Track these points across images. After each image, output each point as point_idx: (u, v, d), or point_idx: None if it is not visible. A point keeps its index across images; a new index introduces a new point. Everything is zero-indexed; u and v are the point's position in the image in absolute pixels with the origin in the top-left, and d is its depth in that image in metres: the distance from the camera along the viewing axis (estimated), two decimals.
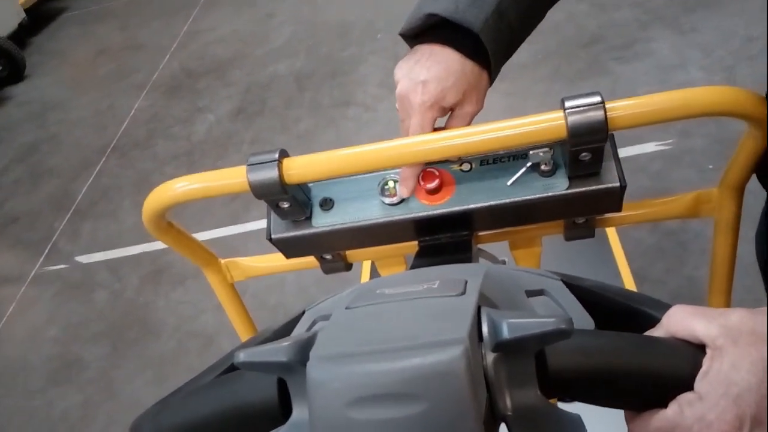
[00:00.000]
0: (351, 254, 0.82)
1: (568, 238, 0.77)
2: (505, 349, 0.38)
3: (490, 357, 0.39)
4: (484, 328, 0.39)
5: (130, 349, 2.42)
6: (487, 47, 0.64)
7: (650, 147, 2.38)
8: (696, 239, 2.03)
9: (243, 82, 3.82)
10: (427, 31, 0.67)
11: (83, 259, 2.94)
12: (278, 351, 0.40)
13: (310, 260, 0.82)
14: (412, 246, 0.75)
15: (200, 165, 3.23)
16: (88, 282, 2.81)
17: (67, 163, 3.67)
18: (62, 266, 2.94)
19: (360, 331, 0.41)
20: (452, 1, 0.64)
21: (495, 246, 0.81)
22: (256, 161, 0.62)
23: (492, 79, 0.70)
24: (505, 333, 0.37)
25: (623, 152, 0.65)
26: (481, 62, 0.66)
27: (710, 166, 2.23)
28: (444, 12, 0.64)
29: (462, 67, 0.65)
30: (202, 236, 2.70)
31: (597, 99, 0.56)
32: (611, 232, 1.32)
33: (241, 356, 0.41)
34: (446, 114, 0.68)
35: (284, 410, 0.44)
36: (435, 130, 0.67)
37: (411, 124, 0.66)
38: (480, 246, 0.79)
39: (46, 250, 3.05)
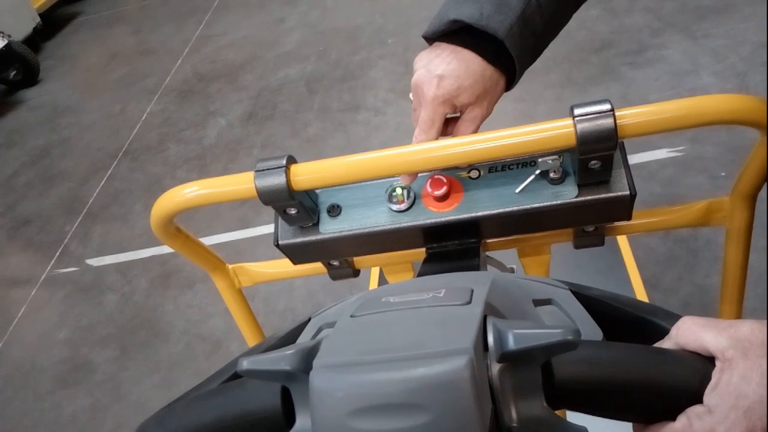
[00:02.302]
0: (358, 261, 0.82)
1: (577, 246, 0.77)
2: (511, 359, 0.38)
3: (495, 367, 0.38)
4: (490, 339, 0.38)
5: (138, 352, 2.43)
6: (512, 53, 0.65)
7: (661, 153, 2.37)
8: (707, 246, 2.01)
9: (254, 86, 3.84)
10: (451, 34, 0.67)
11: (94, 262, 2.96)
12: (282, 359, 0.40)
13: (318, 266, 0.82)
14: (419, 253, 0.74)
15: (211, 169, 3.25)
16: (98, 285, 2.82)
17: (78, 166, 3.70)
18: (73, 269, 2.96)
19: (364, 339, 0.40)
20: (477, 7, 0.64)
21: (503, 253, 0.81)
22: (263, 167, 0.62)
23: (513, 84, 0.70)
24: (511, 344, 0.37)
25: (634, 158, 0.64)
26: (500, 69, 0.67)
27: (722, 173, 2.21)
28: (469, 19, 0.64)
29: (482, 70, 0.66)
30: (211, 240, 2.71)
31: (607, 107, 0.56)
32: (622, 240, 1.31)
33: (245, 364, 0.40)
34: (457, 112, 0.68)
35: (288, 419, 0.44)
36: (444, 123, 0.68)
37: (421, 117, 0.66)
38: (488, 253, 0.79)
39: (57, 253, 3.07)
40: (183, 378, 2.25)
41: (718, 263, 0.79)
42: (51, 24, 5.62)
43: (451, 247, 0.71)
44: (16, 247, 3.29)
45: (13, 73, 4.73)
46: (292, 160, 0.63)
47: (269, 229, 2.76)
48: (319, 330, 0.54)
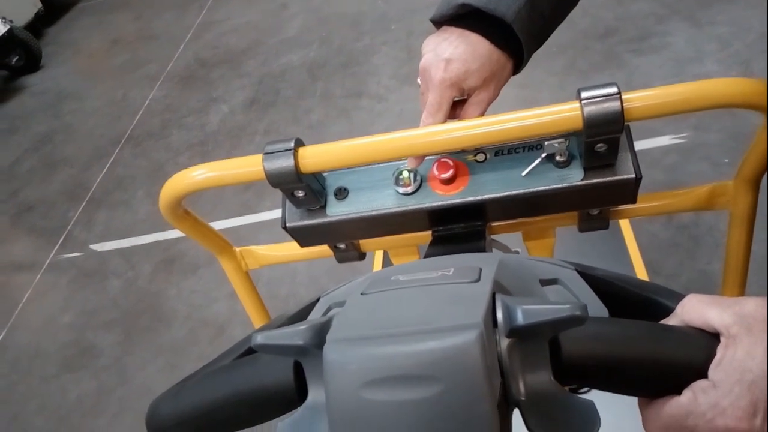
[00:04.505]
0: (364, 243, 0.82)
1: (582, 230, 0.77)
2: (520, 335, 0.39)
3: (504, 343, 0.39)
4: (499, 315, 0.39)
5: (142, 337, 2.45)
6: (519, 37, 0.65)
7: (664, 140, 2.37)
8: (709, 233, 2.01)
9: (256, 72, 3.83)
10: (458, 18, 0.68)
11: (97, 247, 2.97)
12: (295, 334, 0.41)
13: (324, 249, 0.82)
14: (425, 236, 0.75)
15: (214, 155, 3.25)
16: (102, 270, 2.84)
17: (81, 152, 3.70)
18: (77, 254, 2.97)
19: (376, 315, 0.41)
20: None
21: (508, 237, 0.82)
22: (272, 150, 0.63)
23: (521, 68, 0.70)
24: (520, 319, 0.37)
25: (637, 145, 0.65)
26: (508, 52, 0.67)
27: (725, 160, 2.21)
28: (477, 2, 0.64)
29: (489, 54, 0.66)
30: (214, 226, 2.72)
31: (613, 90, 0.56)
32: (624, 224, 1.32)
33: (258, 339, 0.41)
34: (464, 95, 0.68)
35: (300, 393, 0.45)
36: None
37: (429, 100, 0.66)
38: (493, 237, 0.79)
39: (61, 239, 3.09)
40: (187, 362, 2.27)
41: (720, 250, 0.80)
42: (53, 10, 5.61)
43: (457, 230, 0.71)
44: (20, 232, 3.30)
45: (15, 59, 4.72)
46: (300, 143, 0.64)
47: (271, 215, 2.78)
48: (329, 309, 0.54)
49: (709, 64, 2.65)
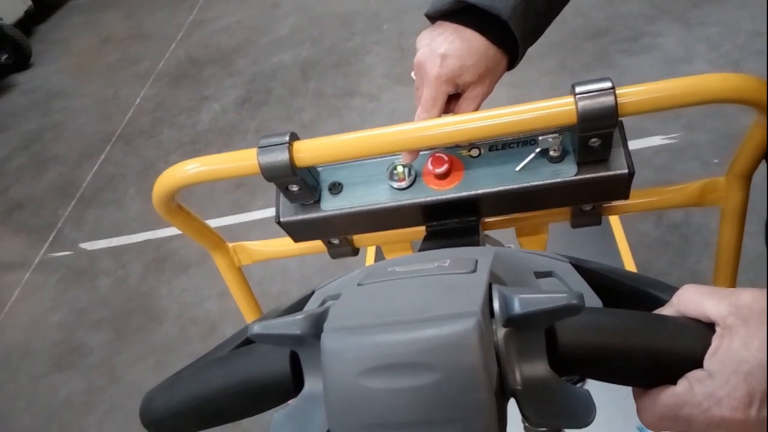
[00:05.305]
0: (358, 239, 0.82)
1: (574, 226, 0.77)
2: (516, 324, 0.39)
3: (500, 332, 0.39)
4: (495, 304, 0.39)
5: (133, 336, 2.43)
6: (515, 33, 0.65)
7: (655, 140, 2.38)
8: (699, 232, 2.03)
9: (248, 71, 3.82)
10: (453, 13, 0.68)
11: (87, 246, 2.95)
12: (292, 323, 0.41)
13: (317, 245, 0.82)
14: (419, 231, 0.75)
15: (205, 154, 3.18)
16: (92, 269, 2.82)
17: (71, 150, 3.68)
18: (67, 253, 2.95)
19: (373, 305, 0.41)
20: None
21: (501, 233, 0.82)
22: (266, 144, 0.63)
23: (515, 64, 0.70)
24: (517, 308, 0.38)
25: (628, 145, 0.66)
26: (503, 48, 0.67)
27: (715, 160, 2.22)
28: None
29: (485, 50, 0.66)
30: None
31: (607, 84, 0.57)
32: (615, 222, 1.32)
33: (255, 328, 0.41)
34: (458, 90, 0.68)
35: (296, 383, 0.44)
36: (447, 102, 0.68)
37: (424, 96, 0.66)
38: (486, 232, 0.79)
39: (51, 237, 3.07)
40: (178, 361, 2.26)
41: (710, 249, 0.80)
42: (43, 7, 5.57)
43: (451, 225, 0.72)
44: (9, 231, 3.28)
45: (5, 56, 4.69)
46: (294, 137, 0.64)
47: (264, 213, 2.76)
48: (324, 302, 0.54)
49: (699, 64, 2.67)
